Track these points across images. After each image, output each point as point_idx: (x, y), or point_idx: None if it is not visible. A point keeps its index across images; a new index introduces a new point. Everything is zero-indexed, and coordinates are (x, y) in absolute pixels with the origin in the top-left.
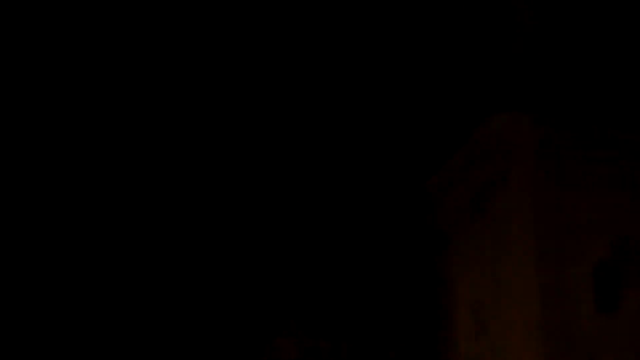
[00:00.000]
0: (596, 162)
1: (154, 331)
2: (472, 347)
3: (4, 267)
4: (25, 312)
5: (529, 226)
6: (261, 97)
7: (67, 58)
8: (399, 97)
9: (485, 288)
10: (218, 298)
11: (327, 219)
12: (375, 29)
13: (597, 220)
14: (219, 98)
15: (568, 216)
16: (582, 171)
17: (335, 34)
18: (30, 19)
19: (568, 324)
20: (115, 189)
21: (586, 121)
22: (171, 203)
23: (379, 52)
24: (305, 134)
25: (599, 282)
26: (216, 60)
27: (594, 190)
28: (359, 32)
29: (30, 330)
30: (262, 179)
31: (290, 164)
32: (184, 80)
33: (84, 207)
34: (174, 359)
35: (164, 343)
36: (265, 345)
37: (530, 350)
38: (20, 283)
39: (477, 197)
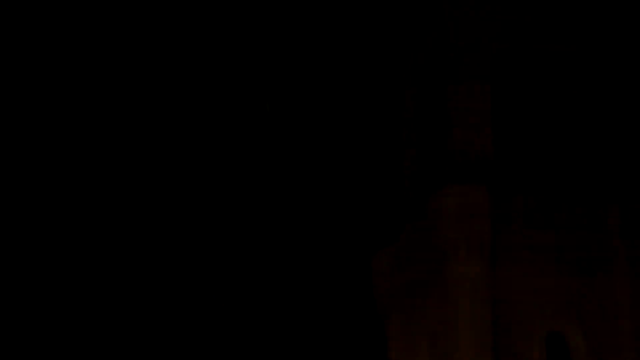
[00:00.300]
0: (549, 233)
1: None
2: None
3: (4, 267)
4: (25, 312)
5: (479, 295)
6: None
7: (67, 58)
8: (351, 167)
9: (441, 357)
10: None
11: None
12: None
13: (546, 291)
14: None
15: (520, 288)
16: (535, 242)
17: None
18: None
19: None
20: (115, 189)
21: (537, 192)
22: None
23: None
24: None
25: (551, 353)
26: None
27: (547, 263)
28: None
29: (30, 330)
30: None
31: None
32: (184, 80)
33: (84, 207)
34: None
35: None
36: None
37: None
38: (21, 283)
39: (431, 268)
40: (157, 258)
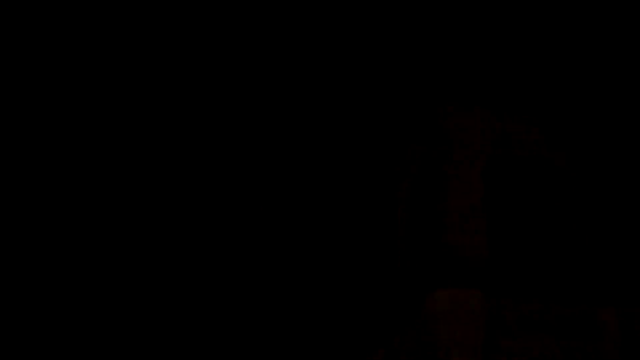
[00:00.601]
0: (542, 337)
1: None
2: None
3: (4, 267)
4: (25, 312)
5: None
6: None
7: (67, 58)
8: (346, 262)
9: None
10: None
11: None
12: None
13: None
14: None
15: None
16: (528, 346)
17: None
18: (30, 19)
19: None
20: (115, 190)
21: (532, 296)
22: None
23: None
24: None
25: None
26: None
27: None
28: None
29: (30, 330)
30: None
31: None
32: (183, 80)
33: (83, 207)
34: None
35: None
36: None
37: None
38: (20, 283)
39: None
40: (157, 258)
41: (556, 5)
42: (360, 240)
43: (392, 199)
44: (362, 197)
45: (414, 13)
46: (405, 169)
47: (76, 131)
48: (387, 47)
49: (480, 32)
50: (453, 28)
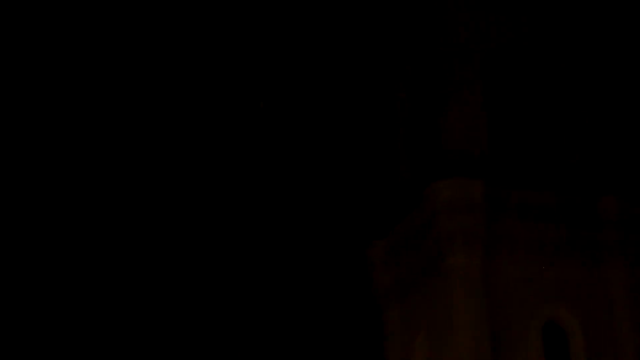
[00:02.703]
0: (543, 226)
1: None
2: None
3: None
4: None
5: (474, 287)
6: None
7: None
8: (348, 161)
9: (439, 348)
10: None
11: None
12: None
13: (545, 283)
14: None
15: (515, 280)
16: (530, 234)
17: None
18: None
19: None
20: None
21: (534, 185)
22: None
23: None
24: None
25: (549, 341)
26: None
27: (541, 255)
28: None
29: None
30: None
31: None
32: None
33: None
34: None
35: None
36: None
37: None
38: (20, 283)
39: (427, 259)
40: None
41: None
42: (362, 135)
43: (395, 96)
44: (367, 96)
45: None
46: (403, 68)
47: (76, 131)
48: None
49: None
50: None
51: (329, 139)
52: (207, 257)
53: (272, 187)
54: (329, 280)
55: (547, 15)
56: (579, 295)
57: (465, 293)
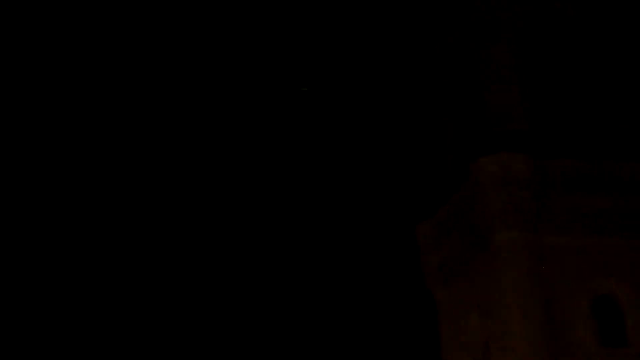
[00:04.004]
0: (591, 197)
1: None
2: None
3: (4, 267)
4: (25, 312)
5: (524, 263)
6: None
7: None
8: (394, 139)
9: (492, 325)
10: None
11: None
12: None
13: (596, 255)
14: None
15: (564, 253)
16: (578, 206)
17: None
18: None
19: (572, 358)
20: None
21: (576, 157)
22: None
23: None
24: (300, 176)
25: (601, 316)
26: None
27: (590, 227)
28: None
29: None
30: None
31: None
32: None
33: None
34: None
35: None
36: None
37: None
38: (20, 283)
39: (475, 236)
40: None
41: None
42: (409, 114)
43: (436, 72)
44: (408, 73)
45: None
46: (445, 44)
47: (76, 131)
48: None
49: None
50: None
51: (377, 118)
52: (250, 239)
53: (320, 165)
54: (379, 262)
55: None
56: (632, 267)
57: (515, 269)
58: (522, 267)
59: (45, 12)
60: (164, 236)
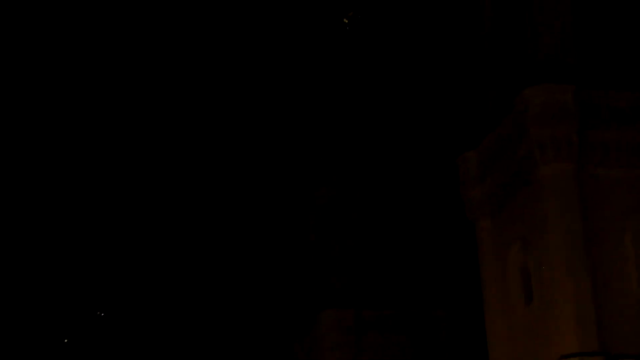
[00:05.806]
0: (634, 128)
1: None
2: (520, 312)
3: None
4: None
5: (568, 195)
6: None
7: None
8: (436, 75)
9: (533, 257)
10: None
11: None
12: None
13: (636, 187)
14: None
15: (606, 186)
16: (625, 138)
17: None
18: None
19: (617, 293)
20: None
21: (623, 88)
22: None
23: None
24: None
25: None
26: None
27: (632, 157)
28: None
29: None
30: None
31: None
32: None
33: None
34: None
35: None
36: (313, 317)
37: (579, 321)
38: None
39: (519, 169)
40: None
41: None
42: (453, 46)
43: (479, 3)
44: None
45: None
46: None
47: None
48: None
49: None
50: None
51: (422, 51)
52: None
53: (363, 99)
54: (420, 193)
55: None
56: None
57: (559, 201)
58: (566, 200)
59: (45, 12)
60: (164, 236)
